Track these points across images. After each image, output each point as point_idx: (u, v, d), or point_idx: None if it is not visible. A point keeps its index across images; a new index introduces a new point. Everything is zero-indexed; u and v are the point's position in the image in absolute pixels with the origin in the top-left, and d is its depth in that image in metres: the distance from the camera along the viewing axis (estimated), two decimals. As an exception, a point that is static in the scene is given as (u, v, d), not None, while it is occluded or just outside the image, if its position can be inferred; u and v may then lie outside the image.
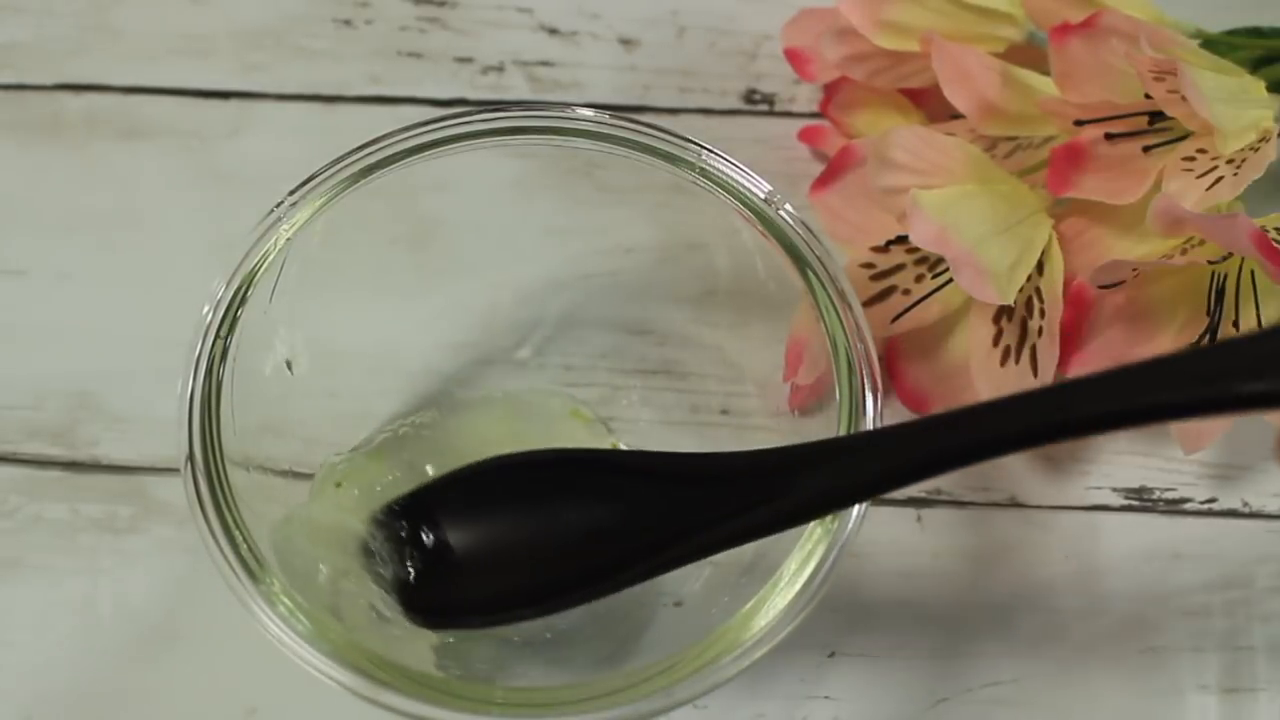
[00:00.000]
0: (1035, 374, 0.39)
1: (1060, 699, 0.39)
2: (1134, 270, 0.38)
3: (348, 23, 0.48)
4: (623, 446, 0.41)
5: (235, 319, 0.35)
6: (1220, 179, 0.37)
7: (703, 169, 0.37)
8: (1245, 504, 0.42)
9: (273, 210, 0.36)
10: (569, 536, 0.33)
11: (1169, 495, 0.42)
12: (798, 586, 0.33)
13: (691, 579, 0.39)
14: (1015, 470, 0.42)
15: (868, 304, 0.40)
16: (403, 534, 0.34)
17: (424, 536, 0.34)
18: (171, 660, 0.39)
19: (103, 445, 0.42)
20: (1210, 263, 0.38)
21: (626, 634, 0.38)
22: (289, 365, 0.37)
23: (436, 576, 0.34)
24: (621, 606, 0.39)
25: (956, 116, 0.41)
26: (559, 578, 0.33)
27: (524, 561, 0.34)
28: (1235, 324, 0.38)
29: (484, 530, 0.34)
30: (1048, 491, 0.42)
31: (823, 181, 0.42)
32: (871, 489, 0.32)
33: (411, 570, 0.34)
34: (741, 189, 0.37)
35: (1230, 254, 0.38)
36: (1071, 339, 0.39)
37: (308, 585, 0.34)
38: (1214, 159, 0.37)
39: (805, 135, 0.46)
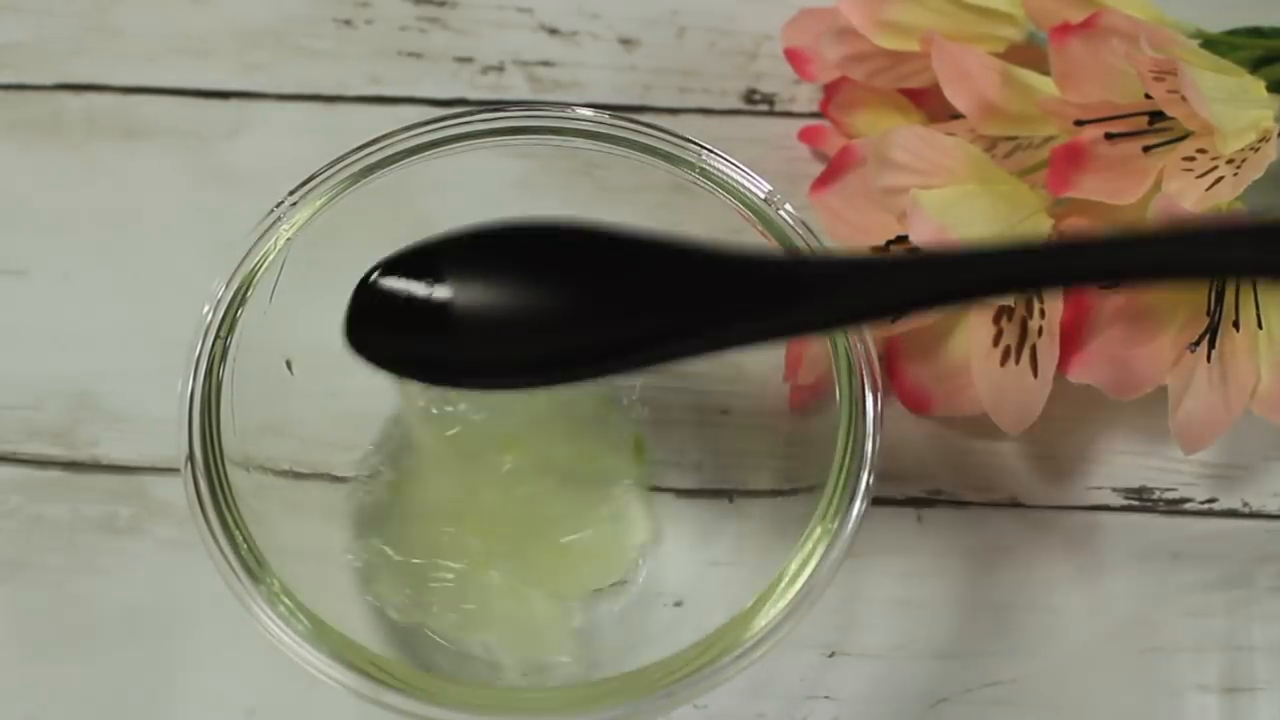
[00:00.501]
0: (1035, 374, 0.39)
1: (1060, 699, 0.39)
2: (1134, 270, 0.38)
3: (348, 23, 0.48)
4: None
5: (235, 319, 0.35)
6: (1220, 179, 0.37)
7: (703, 169, 0.37)
8: (1245, 504, 0.42)
9: (273, 210, 0.36)
10: (575, 308, 0.32)
11: (1169, 495, 0.42)
12: (798, 586, 0.33)
13: (691, 579, 0.39)
14: (1015, 470, 0.42)
15: (868, 304, 0.40)
16: (399, 286, 0.33)
17: (420, 290, 0.32)
18: (171, 660, 0.39)
19: (103, 445, 0.42)
20: (1210, 263, 0.38)
21: (626, 634, 0.38)
22: (289, 365, 0.37)
23: (432, 332, 0.32)
24: (621, 606, 0.39)
25: (956, 116, 0.41)
26: (559, 349, 0.32)
27: (527, 326, 0.32)
28: (1235, 324, 0.38)
29: (486, 290, 0.33)
30: (1048, 491, 0.42)
31: (823, 181, 0.42)
32: (888, 308, 0.32)
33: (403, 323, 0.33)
34: (741, 189, 0.37)
35: (1230, 254, 0.38)
36: (1071, 339, 0.39)
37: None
38: (1214, 159, 0.37)
39: (805, 135, 0.46)
